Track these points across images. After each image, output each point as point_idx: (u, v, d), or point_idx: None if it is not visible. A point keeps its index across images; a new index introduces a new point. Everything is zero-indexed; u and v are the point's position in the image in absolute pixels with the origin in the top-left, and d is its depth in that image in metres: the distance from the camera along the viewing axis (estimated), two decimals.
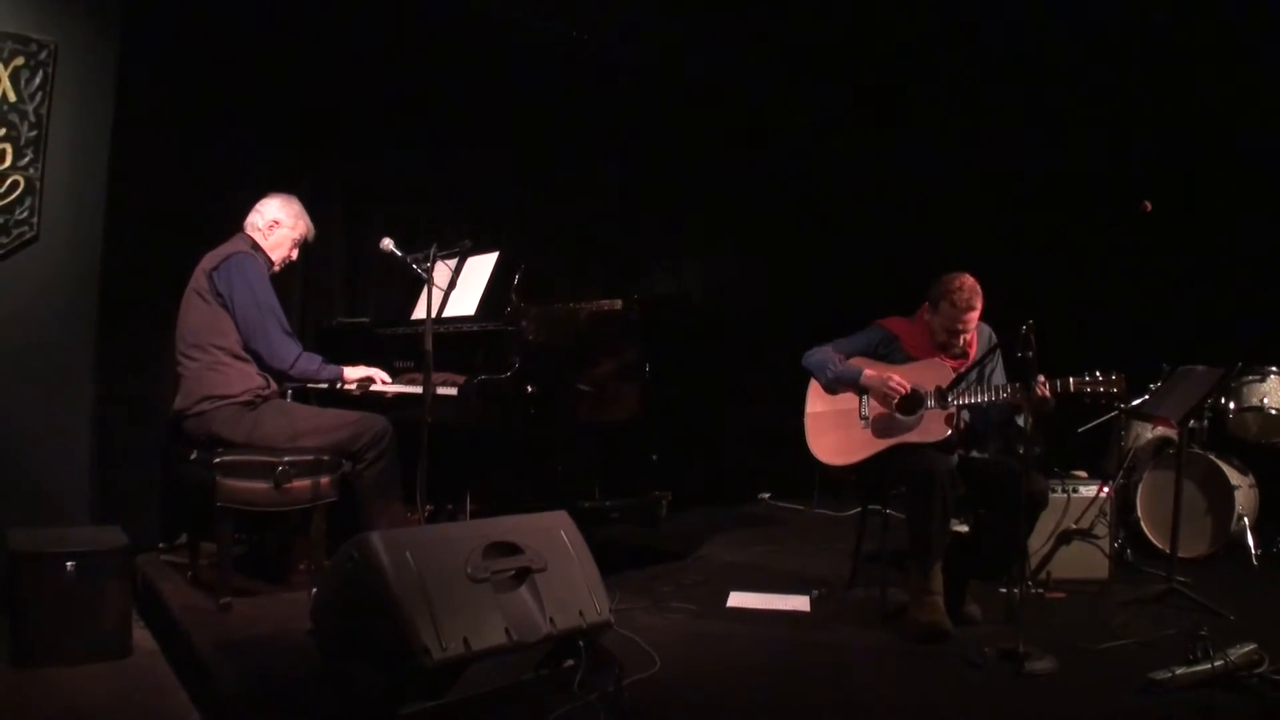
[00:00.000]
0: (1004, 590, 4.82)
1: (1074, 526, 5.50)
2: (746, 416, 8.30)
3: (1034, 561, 5.39)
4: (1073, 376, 4.50)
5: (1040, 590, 5.27)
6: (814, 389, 5.21)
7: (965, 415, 4.91)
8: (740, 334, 8.18)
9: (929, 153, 8.52)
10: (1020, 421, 4.82)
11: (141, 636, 4.56)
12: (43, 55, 4.96)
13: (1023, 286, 5.81)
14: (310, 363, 4.98)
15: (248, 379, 4.87)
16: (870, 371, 4.96)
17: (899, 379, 4.87)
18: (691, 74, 8.08)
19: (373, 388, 5.17)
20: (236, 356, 4.87)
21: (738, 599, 5.13)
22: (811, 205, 8.88)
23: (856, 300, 6.39)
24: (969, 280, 4.84)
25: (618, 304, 5.62)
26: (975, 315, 4.84)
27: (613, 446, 6.96)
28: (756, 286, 8.76)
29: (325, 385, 5.20)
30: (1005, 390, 4.67)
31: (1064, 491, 5.52)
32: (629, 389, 5.51)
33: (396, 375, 5.33)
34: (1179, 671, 3.85)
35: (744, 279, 8.77)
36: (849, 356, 5.12)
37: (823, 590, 5.26)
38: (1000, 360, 5.02)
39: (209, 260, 4.97)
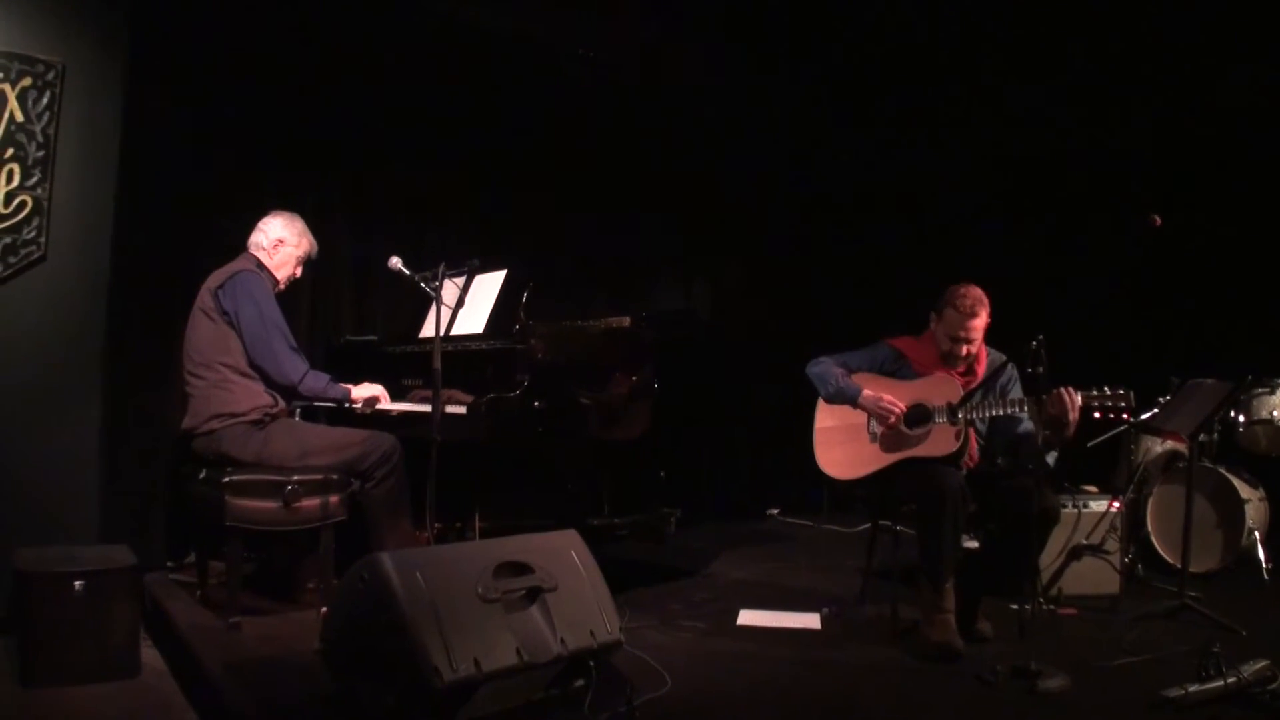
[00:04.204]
0: (1015, 607, 4.82)
1: (1084, 542, 5.48)
2: (754, 433, 8.30)
3: (1045, 577, 5.38)
4: (1081, 391, 4.49)
5: (1051, 607, 5.25)
6: (823, 404, 5.21)
7: (981, 428, 4.93)
8: (748, 350, 8.16)
9: (938, 168, 8.52)
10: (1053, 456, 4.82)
11: (150, 656, 4.55)
12: (50, 76, 4.97)
13: (1032, 302, 5.81)
14: (318, 380, 4.98)
15: (256, 397, 4.87)
16: (868, 392, 4.95)
17: (891, 398, 4.87)
18: (699, 89, 8.09)
19: (378, 406, 5.18)
20: (244, 374, 4.88)
21: (748, 617, 5.12)
22: (818, 221, 8.88)
23: (864, 316, 6.40)
24: (975, 290, 4.86)
25: (626, 321, 5.63)
26: (978, 324, 4.84)
27: (621, 463, 6.94)
28: (764, 302, 8.75)
29: (333, 404, 5.21)
30: (1021, 406, 4.67)
31: (1074, 506, 5.50)
32: (638, 406, 5.50)
33: (405, 393, 5.33)
34: (1192, 689, 3.83)
35: (751, 295, 8.77)
36: (853, 371, 5.12)
37: (833, 608, 5.24)
38: (1018, 381, 5.00)
39: (214, 279, 4.98)
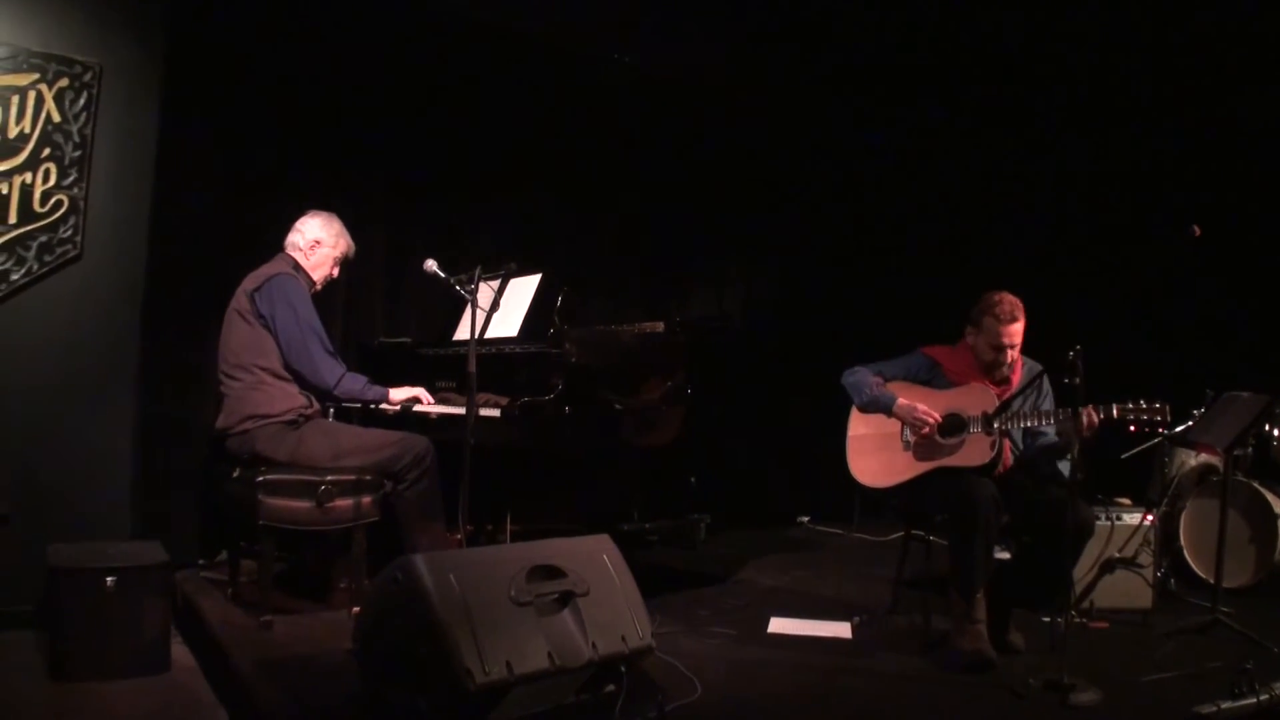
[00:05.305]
0: (1047, 619, 4.78)
1: (1117, 555, 5.44)
2: (786, 439, 8.28)
3: (1077, 590, 5.33)
4: (1115, 403, 4.46)
5: (1083, 620, 5.21)
6: (855, 412, 5.20)
7: (1016, 438, 4.91)
8: (781, 356, 8.15)
9: (974, 177, 8.47)
10: (1066, 463, 4.78)
11: (180, 653, 4.59)
12: (87, 77, 5.01)
13: (1067, 312, 5.77)
14: (355, 382, 5.01)
15: (290, 398, 4.90)
16: (903, 400, 4.93)
17: (925, 408, 4.85)
18: (734, 95, 8.07)
19: (417, 408, 5.18)
20: (279, 376, 4.91)
21: (778, 625, 5.10)
22: (853, 227, 8.85)
23: (899, 323, 6.36)
24: (1010, 295, 4.85)
25: (659, 326, 5.65)
26: (1018, 329, 4.81)
27: (652, 468, 6.95)
28: (797, 309, 8.73)
29: (370, 405, 5.22)
30: (1053, 416, 4.64)
31: (1107, 519, 5.46)
32: (671, 411, 5.51)
33: (437, 395, 5.34)
34: (1224, 705, 3.79)
35: (785, 301, 8.76)
36: (888, 380, 5.10)
37: (864, 617, 5.22)
38: (1050, 391, 4.97)
39: (250, 281, 5.01)
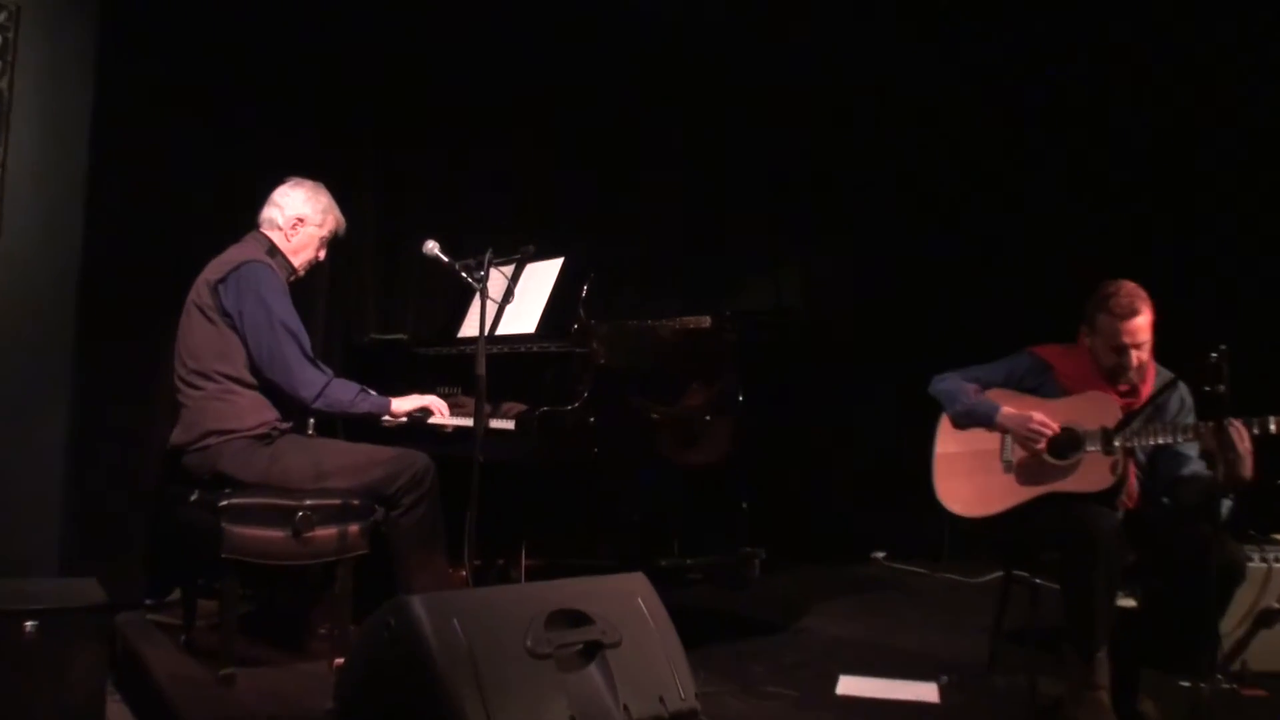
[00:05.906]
0: (1187, 684, 4.62)
1: (1277, 605, 5.34)
2: (858, 458, 8.27)
3: (1225, 648, 5.23)
4: (1274, 416, 4.34)
5: (1234, 685, 5.10)
6: (945, 424, 5.12)
7: (1142, 459, 4.79)
8: (852, 357, 8.08)
9: (1085, 136, 8.32)
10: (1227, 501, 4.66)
11: (118, 712, 4.54)
12: (1, 17, 4.97)
13: (1212, 305, 5.66)
14: (344, 391, 4.91)
15: (263, 410, 4.84)
16: (1009, 409, 4.84)
17: (1042, 417, 4.74)
18: (794, 53, 8.01)
19: (433, 420, 5.14)
20: (248, 384, 4.85)
21: (849, 685, 5.03)
22: (940, 199, 8.73)
23: (1000, 316, 6.27)
24: (1128, 284, 4.72)
25: (706, 321, 5.64)
26: (1142, 325, 4.68)
27: (696, 492, 6.91)
28: (872, 299, 8.67)
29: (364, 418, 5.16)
30: (1188, 432, 4.51)
31: (1263, 560, 5.35)
32: (718, 423, 5.51)
33: None
34: None
35: (857, 289, 8.69)
36: (986, 388, 5.01)
37: (954, 676, 5.13)
38: (1192, 406, 4.84)
39: (214, 269, 4.93)
